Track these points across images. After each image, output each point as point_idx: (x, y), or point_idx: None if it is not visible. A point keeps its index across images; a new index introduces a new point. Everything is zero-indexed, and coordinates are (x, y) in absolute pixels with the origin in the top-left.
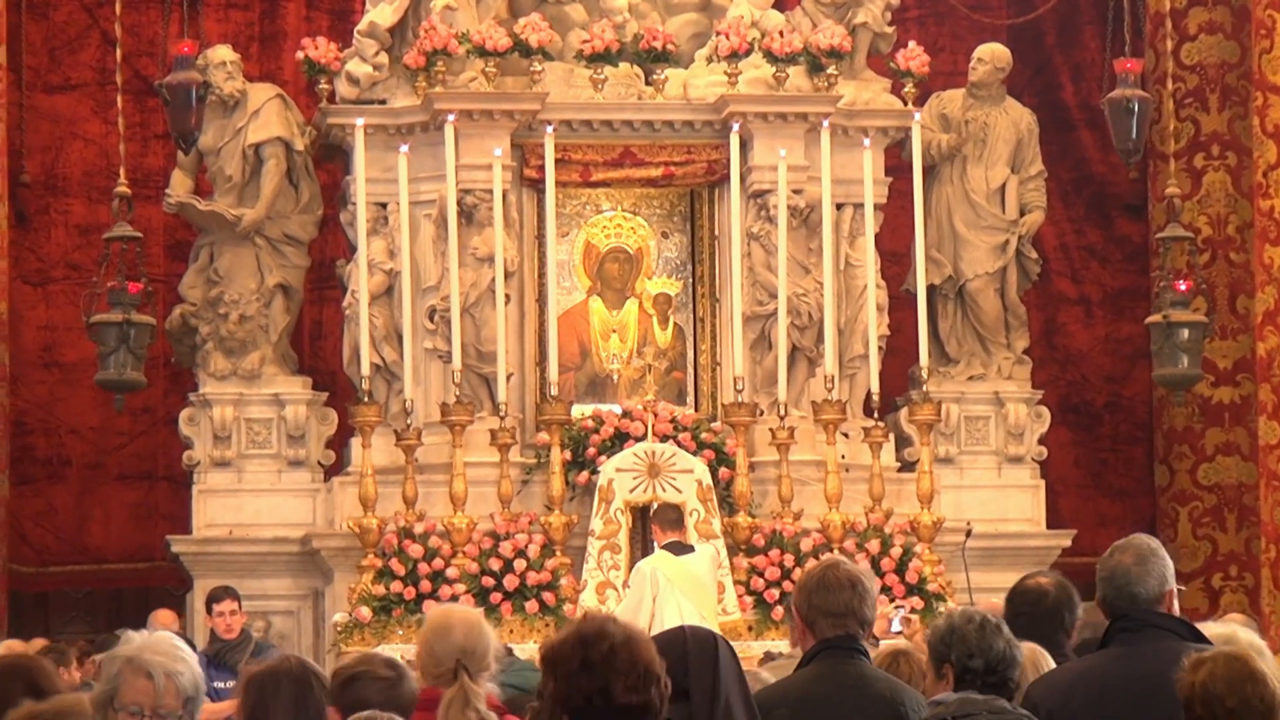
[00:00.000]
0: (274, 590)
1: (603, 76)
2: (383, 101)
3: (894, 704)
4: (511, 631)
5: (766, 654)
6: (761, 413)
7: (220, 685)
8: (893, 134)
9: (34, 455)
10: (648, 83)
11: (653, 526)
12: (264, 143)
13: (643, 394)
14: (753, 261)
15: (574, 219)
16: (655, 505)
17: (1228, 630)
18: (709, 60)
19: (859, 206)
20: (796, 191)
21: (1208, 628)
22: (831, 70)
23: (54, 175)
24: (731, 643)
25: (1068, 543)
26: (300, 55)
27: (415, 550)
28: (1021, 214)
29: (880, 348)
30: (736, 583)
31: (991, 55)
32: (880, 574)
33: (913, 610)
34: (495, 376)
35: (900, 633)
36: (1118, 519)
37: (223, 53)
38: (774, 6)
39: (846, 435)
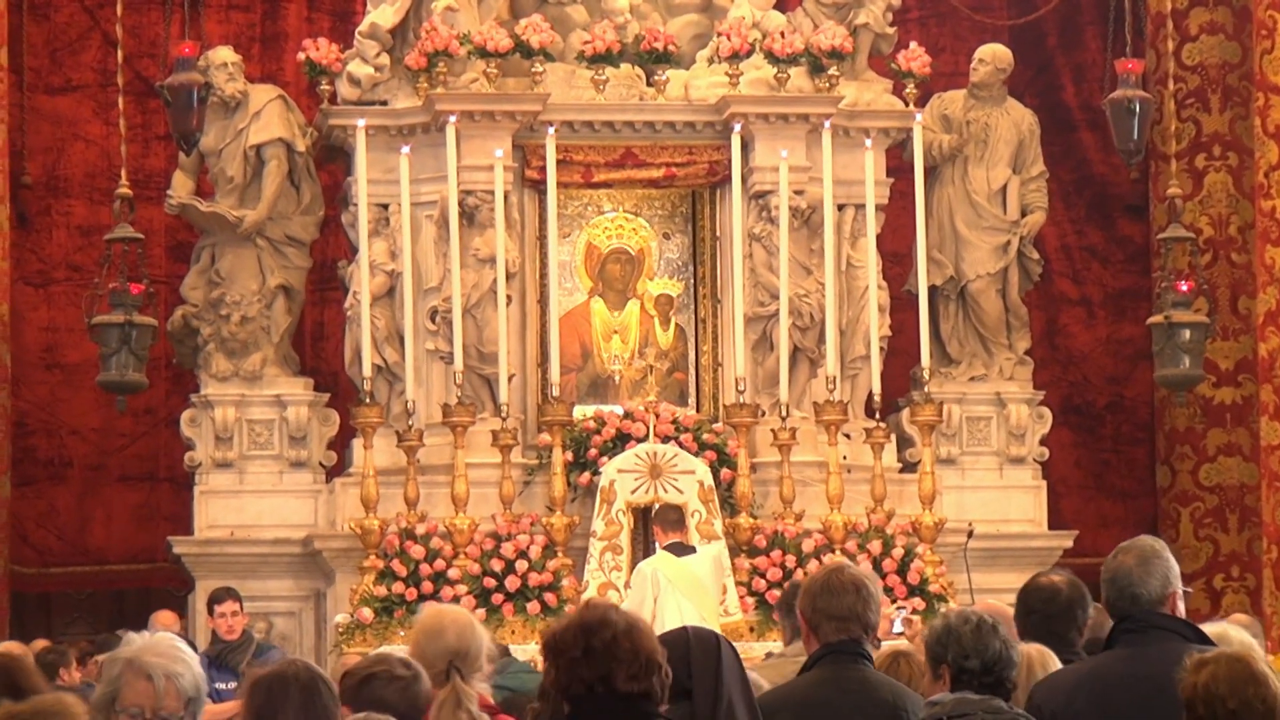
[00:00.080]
0: (275, 591)
1: (604, 77)
2: (384, 103)
3: (896, 709)
4: (513, 632)
5: (768, 655)
6: (763, 414)
7: (222, 686)
8: (894, 135)
9: (35, 456)
10: (649, 84)
11: (654, 528)
12: (265, 144)
13: (644, 395)
14: (754, 262)
15: (575, 220)
16: (657, 506)
17: (1218, 629)
18: (710, 61)
19: (860, 207)
20: (798, 192)
21: (1206, 628)
22: (833, 71)
23: (55, 176)
24: (735, 644)
25: (1069, 543)
26: (301, 56)
27: (417, 551)
28: (1023, 215)
29: (882, 348)
30: (738, 583)
31: (993, 56)
32: (882, 575)
33: (914, 611)
34: (497, 377)
35: (902, 634)
36: (1119, 520)
37: (224, 54)
38: (775, 7)
39: (848, 436)
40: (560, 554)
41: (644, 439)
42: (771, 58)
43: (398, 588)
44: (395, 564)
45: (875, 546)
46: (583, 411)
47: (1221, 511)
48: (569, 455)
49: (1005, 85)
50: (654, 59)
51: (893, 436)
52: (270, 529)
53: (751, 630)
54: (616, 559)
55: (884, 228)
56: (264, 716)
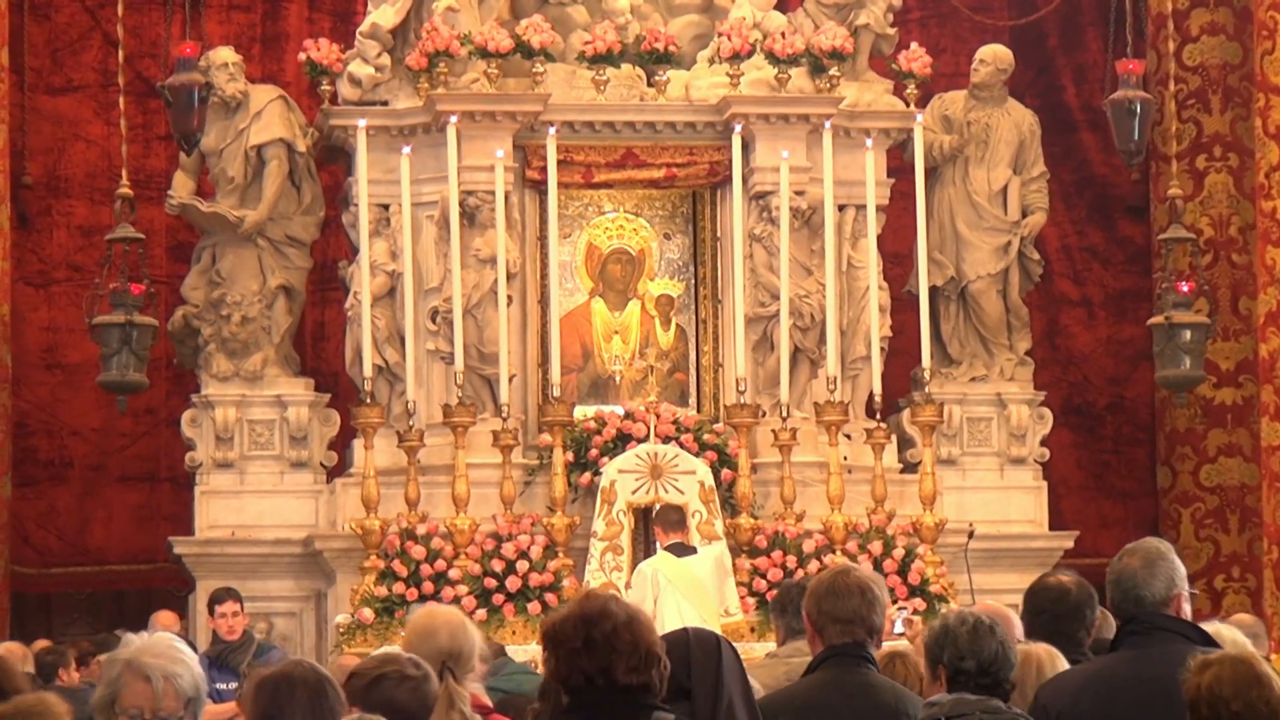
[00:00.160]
0: (276, 592)
1: (605, 78)
2: (385, 103)
3: (898, 713)
4: (514, 633)
5: (768, 655)
6: (764, 414)
7: (222, 687)
8: (895, 135)
9: (36, 457)
10: (650, 84)
11: (655, 528)
12: (266, 144)
13: (645, 395)
14: (755, 263)
15: (576, 220)
16: (657, 507)
17: (1210, 630)
18: (711, 61)
19: (861, 208)
20: (798, 193)
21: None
22: (833, 71)
23: (56, 177)
24: (735, 644)
25: (1070, 544)
26: (302, 57)
27: (417, 552)
28: (1023, 215)
29: (882, 349)
30: (739, 584)
31: (993, 56)
32: (883, 575)
33: (915, 612)
34: (497, 378)
35: (903, 634)
36: (1120, 520)
37: (225, 54)
38: (776, 8)
39: (849, 436)
40: (561, 554)
41: (645, 439)
42: (772, 58)
43: (398, 588)
44: (396, 564)
45: (876, 547)
46: (583, 412)
47: (1222, 512)
48: (570, 456)
49: (1006, 86)
50: (655, 59)
51: (893, 437)
52: (271, 529)
53: (752, 630)
54: (617, 559)
55: (885, 228)
56: (269, 717)
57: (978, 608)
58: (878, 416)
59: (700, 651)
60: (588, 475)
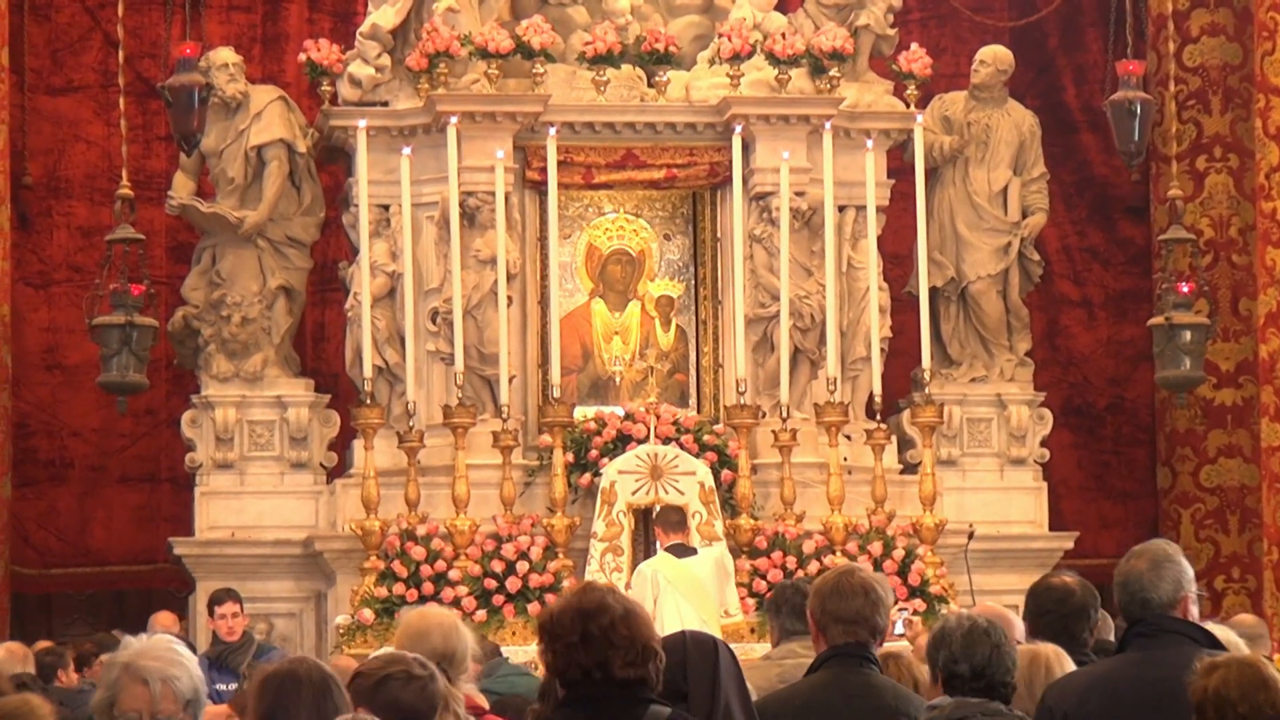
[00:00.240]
0: (276, 592)
1: (605, 78)
2: (385, 103)
3: (898, 714)
4: (514, 633)
5: (763, 657)
6: (764, 415)
7: (222, 688)
8: (895, 136)
9: (36, 457)
10: (650, 85)
11: (655, 529)
12: (266, 145)
13: (645, 396)
14: (755, 264)
15: (576, 221)
16: (658, 508)
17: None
18: (711, 62)
19: (861, 209)
20: (799, 194)
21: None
22: (834, 72)
23: (56, 177)
24: (734, 645)
25: (1070, 545)
26: (302, 57)
27: (417, 552)
28: (1024, 216)
29: (882, 350)
30: (739, 585)
31: (994, 57)
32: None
33: (915, 613)
34: (497, 379)
35: (903, 635)
36: (1120, 521)
37: (225, 55)
38: (776, 8)
39: (849, 437)
40: (561, 555)
41: (645, 440)
42: (772, 59)
43: (398, 589)
44: (396, 565)
45: (876, 548)
46: (583, 413)
47: (1222, 513)
48: (570, 456)
49: (1006, 87)
50: (655, 60)
51: (893, 438)
52: (271, 530)
53: (752, 631)
54: (617, 560)
55: (885, 229)
56: (274, 714)
57: (978, 610)
58: (878, 417)
59: (697, 654)
60: (588, 476)
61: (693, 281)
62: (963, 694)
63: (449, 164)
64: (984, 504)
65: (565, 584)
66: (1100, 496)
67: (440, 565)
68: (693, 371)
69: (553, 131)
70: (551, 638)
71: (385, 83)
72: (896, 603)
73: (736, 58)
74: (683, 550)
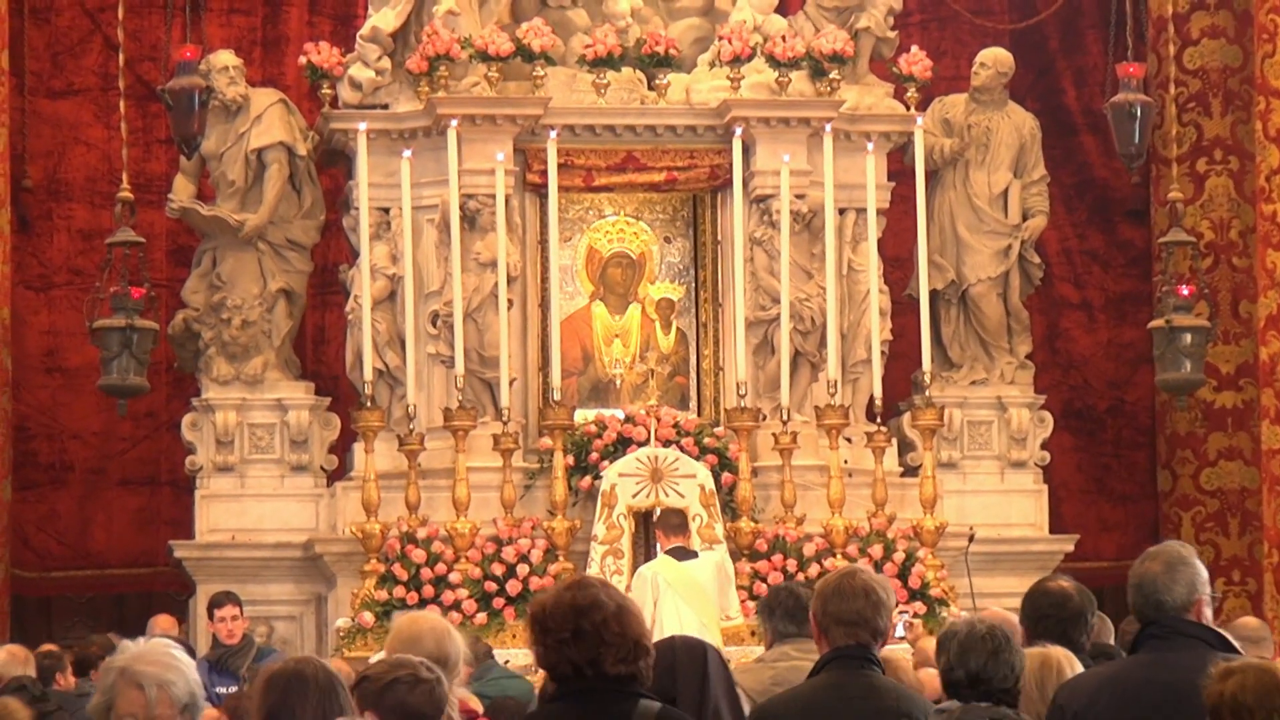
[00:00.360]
0: (276, 595)
1: (605, 81)
2: (385, 106)
3: (900, 716)
4: (514, 636)
5: (756, 660)
6: (764, 417)
7: (222, 691)
8: (895, 139)
9: (37, 460)
10: (650, 87)
11: (656, 532)
12: (266, 148)
13: (645, 399)
14: (755, 266)
15: (576, 224)
16: (659, 511)
17: None
18: (711, 65)
19: (861, 211)
20: (799, 196)
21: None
22: (834, 75)
23: (56, 180)
24: (734, 648)
25: (1070, 547)
26: (303, 60)
27: (418, 555)
28: (1024, 219)
29: (883, 352)
30: (739, 587)
31: (994, 60)
32: None
33: (916, 615)
34: (498, 381)
35: (904, 638)
36: (1120, 524)
37: (225, 58)
38: (776, 11)
39: (849, 440)
40: (561, 558)
41: (645, 443)
42: (773, 61)
43: (399, 592)
44: (396, 568)
45: (876, 550)
46: (584, 415)
47: (1222, 516)
48: (570, 459)
49: (1006, 89)
50: (655, 63)
51: (894, 440)
52: (271, 533)
53: (753, 634)
54: (617, 563)
55: (885, 232)
56: (279, 713)
57: (986, 615)
58: (878, 420)
59: (686, 659)
60: (588, 479)
61: (693, 284)
62: (961, 698)
63: (449, 167)
64: (984, 507)
65: None
66: (1100, 499)
67: (441, 568)
68: (693, 374)
69: (553, 134)
70: (543, 631)
71: (385, 85)
72: (897, 605)
73: (737, 60)
74: (683, 553)
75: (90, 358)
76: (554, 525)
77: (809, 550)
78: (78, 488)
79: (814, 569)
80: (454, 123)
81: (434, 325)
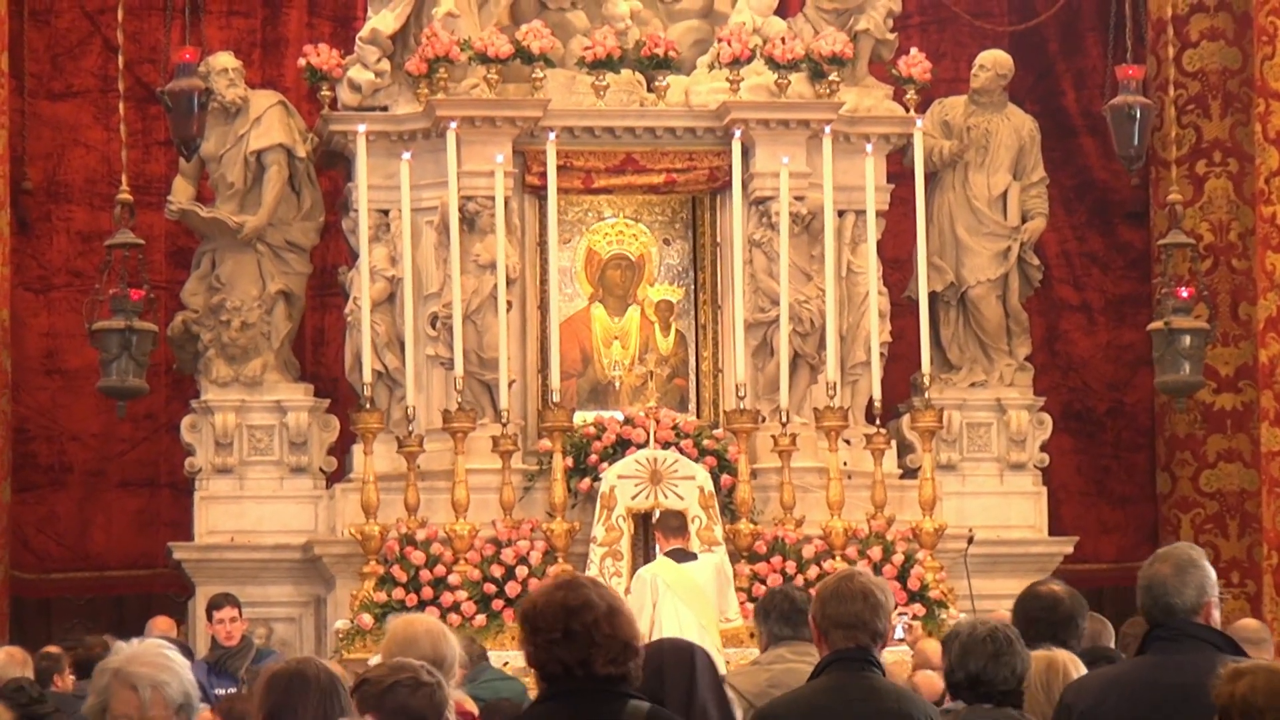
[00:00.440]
0: (275, 597)
1: (604, 83)
2: (384, 108)
3: (900, 717)
4: (513, 638)
5: (751, 662)
6: (763, 419)
7: (221, 692)
8: (895, 141)
9: (36, 462)
10: (649, 89)
11: (656, 533)
12: (266, 149)
13: (644, 401)
14: (754, 268)
15: (576, 226)
16: (659, 512)
17: None
18: (711, 67)
19: (861, 213)
20: (798, 198)
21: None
22: (833, 77)
23: (56, 182)
24: (733, 650)
25: (1070, 549)
26: (302, 62)
27: (417, 557)
28: (1023, 220)
29: (882, 354)
30: (738, 589)
31: (993, 62)
32: None
33: (915, 618)
34: (497, 383)
35: (903, 640)
36: (1120, 526)
37: (224, 60)
38: (776, 13)
39: (848, 442)
40: (561, 560)
41: (644, 445)
42: (772, 63)
43: (398, 593)
44: (395, 570)
45: (875, 552)
46: (583, 417)
47: (1222, 517)
48: (569, 461)
49: (1006, 91)
50: (655, 65)
51: (893, 442)
52: (270, 535)
53: (752, 636)
54: (617, 565)
55: (884, 234)
56: (280, 712)
57: (992, 619)
58: (877, 422)
59: (674, 661)
60: (587, 481)
61: (692, 286)
62: (964, 700)
63: (448, 169)
64: (983, 509)
65: None
66: (1100, 501)
67: (440, 570)
68: (692, 376)
69: (552, 136)
70: (533, 630)
71: (385, 87)
72: (896, 607)
73: (736, 62)
74: (682, 555)
75: (90, 359)
76: (553, 527)
77: (808, 552)
78: (77, 489)
79: (813, 571)
80: (453, 125)
81: (433, 327)
